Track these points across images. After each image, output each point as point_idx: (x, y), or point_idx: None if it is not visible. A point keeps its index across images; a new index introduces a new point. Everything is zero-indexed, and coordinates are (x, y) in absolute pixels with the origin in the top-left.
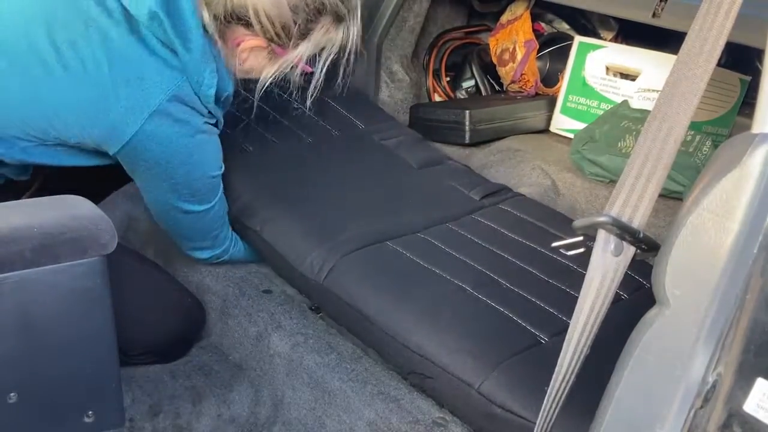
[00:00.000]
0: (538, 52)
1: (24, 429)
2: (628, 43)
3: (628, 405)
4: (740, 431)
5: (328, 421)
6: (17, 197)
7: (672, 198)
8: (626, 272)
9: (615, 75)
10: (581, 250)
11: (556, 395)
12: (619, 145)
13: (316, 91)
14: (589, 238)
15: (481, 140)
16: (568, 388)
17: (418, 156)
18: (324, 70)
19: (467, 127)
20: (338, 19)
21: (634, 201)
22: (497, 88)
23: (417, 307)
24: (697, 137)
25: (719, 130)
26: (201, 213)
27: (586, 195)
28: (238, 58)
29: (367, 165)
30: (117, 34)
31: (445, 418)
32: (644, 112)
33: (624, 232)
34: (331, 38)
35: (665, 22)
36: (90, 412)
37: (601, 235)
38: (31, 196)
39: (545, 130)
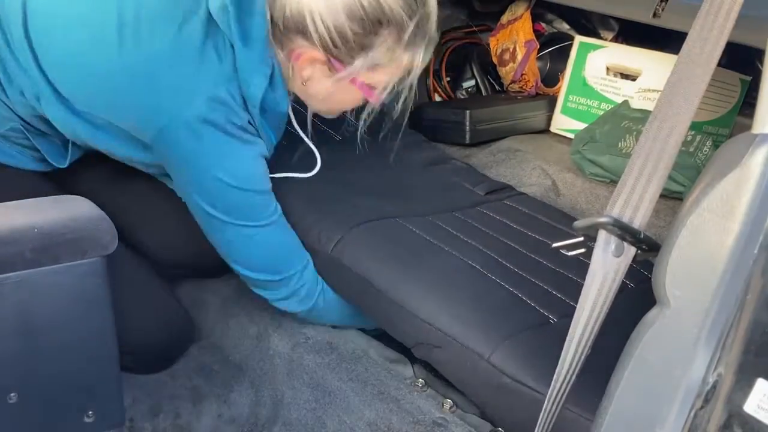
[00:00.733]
0: (539, 52)
1: (24, 429)
2: (628, 43)
3: (628, 405)
4: None
5: (328, 421)
6: None
7: (672, 198)
8: (632, 265)
9: (615, 75)
10: (582, 250)
11: (556, 395)
12: (620, 145)
13: (371, 115)
14: (590, 239)
15: (481, 140)
16: (569, 388)
17: (422, 156)
18: (385, 95)
19: (467, 127)
20: (405, 38)
21: (634, 201)
22: (497, 88)
23: (427, 278)
24: (698, 137)
25: (720, 130)
26: (246, 230)
27: (586, 195)
28: (298, 72)
29: (372, 163)
30: (194, 22)
31: (446, 419)
32: (645, 112)
33: (625, 232)
34: (395, 58)
35: (666, 22)
36: (90, 412)
37: (602, 235)
38: None
39: (545, 130)
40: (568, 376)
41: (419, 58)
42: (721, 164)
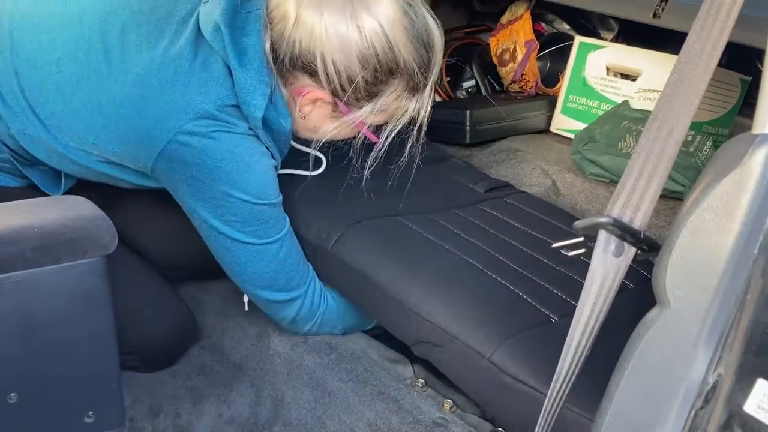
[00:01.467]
0: (539, 52)
1: (24, 429)
2: (628, 44)
3: (628, 405)
4: None
5: (328, 421)
6: None
7: (672, 198)
8: (632, 266)
9: (615, 75)
10: (582, 251)
11: (557, 395)
12: (620, 145)
13: (377, 161)
14: (590, 239)
15: (481, 140)
16: (568, 388)
17: (423, 154)
18: (389, 140)
19: (468, 127)
20: (413, 86)
21: (635, 202)
22: (497, 88)
23: (428, 276)
24: (698, 137)
25: (720, 130)
26: (255, 247)
27: (586, 195)
28: (300, 109)
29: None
30: (182, 42)
31: (445, 419)
32: (645, 113)
33: (625, 232)
34: (401, 106)
35: (666, 22)
36: (90, 412)
37: (602, 235)
38: None
39: (545, 130)
40: (569, 376)
41: (426, 103)
42: (721, 164)
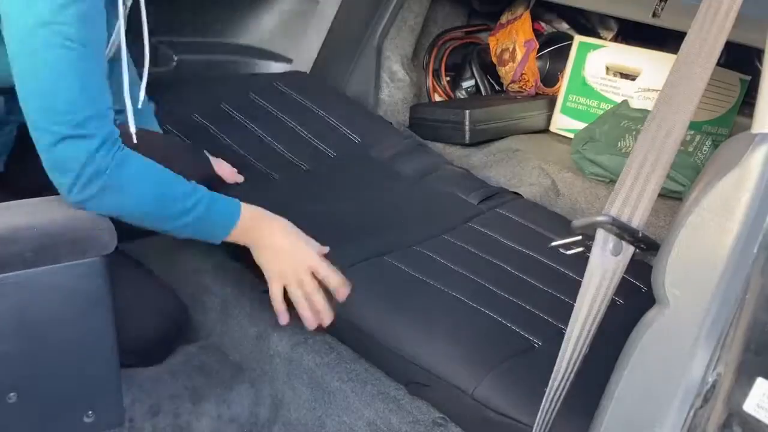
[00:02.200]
0: (538, 51)
1: (24, 429)
2: (628, 43)
3: (628, 404)
4: (740, 431)
5: (328, 421)
6: None
7: (672, 198)
8: (623, 278)
9: (615, 75)
10: (580, 249)
11: (554, 395)
12: (619, 144)
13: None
14: (588, 238)
15: (481, 140)
16: (567, 387)
17: (416, 166)
18: None
19: (467, 127)
20: None
21: (633, 200)
22: (497, 87)
23: (411, 317)
24: (697, 137)
25: (719, 129)
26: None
27: (586, 195)
28: None
29: (366, 183)
30: None
31: (445, 418)
32: (644, 112)
33: (623, 231)
34: None
35: (665, 21)
36: (90, 412)
37: (600, 234)
38: None
39: (545, 130)
40: (557, 397)
41: None
42: (721, 164)
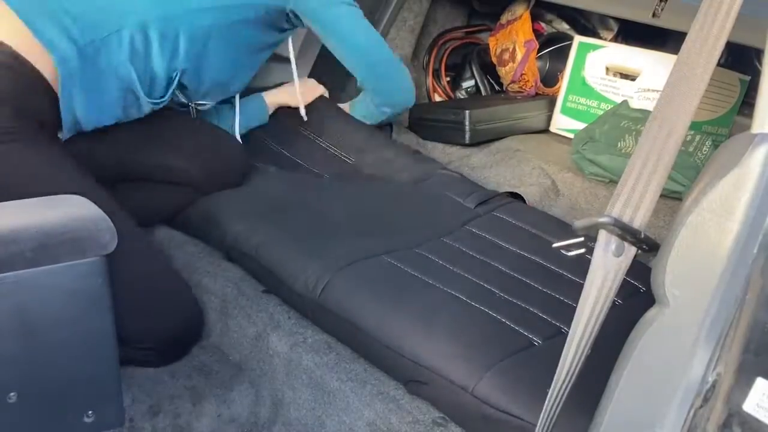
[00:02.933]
0: (538, 52)
1: (24, 429)
2: (628, 43)
3: (627, 404)
4: (740, 431)
5: (327, 421)
6: None
7: (672, 198)
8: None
9: (615, 75)
10: (582, 250)
11: (558, 394)
12: (619, 145)
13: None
14: (590, 239)
15: (481, 140)
16: (569, 387)
17: (411, 173)
18: None
19: (467, 127)
20: None
21: (635, 201)
22: (497, 88)
23: (410, 315)
24: (697, 137)
25: (719, 129)
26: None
27: (586, 195)
28: None
29: (361, 195)
30: None
31: (445, 418)
32: (644, 112)
33: (625, 232)
34: None
35: (665, 22)
36: (90, 412)
37: (602, 235)
38: None
39: (545, 130)
40: (560, 397)
41: None
42: (721, 164)
